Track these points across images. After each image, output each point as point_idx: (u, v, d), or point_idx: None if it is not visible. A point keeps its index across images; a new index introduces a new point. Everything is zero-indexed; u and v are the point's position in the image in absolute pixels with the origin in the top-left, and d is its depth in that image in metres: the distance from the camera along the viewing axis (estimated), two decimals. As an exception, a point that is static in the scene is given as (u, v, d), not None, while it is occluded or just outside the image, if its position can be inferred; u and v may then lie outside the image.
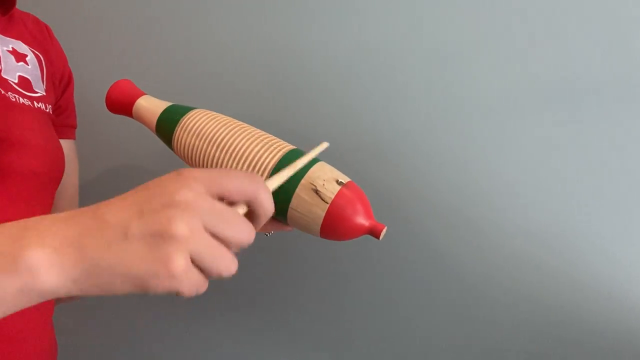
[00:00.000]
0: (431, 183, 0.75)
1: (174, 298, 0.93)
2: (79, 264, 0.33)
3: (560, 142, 0.70)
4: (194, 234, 0.33)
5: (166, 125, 0.58)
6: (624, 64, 0.66)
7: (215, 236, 0.34)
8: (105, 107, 0.64)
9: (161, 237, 0.33)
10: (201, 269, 0.35)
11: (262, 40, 0.81)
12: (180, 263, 0.33)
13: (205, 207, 0.34)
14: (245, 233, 0.36)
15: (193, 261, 0.34)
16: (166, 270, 0.33)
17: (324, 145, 0.48)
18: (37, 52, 0.66)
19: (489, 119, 0.72)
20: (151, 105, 0.60)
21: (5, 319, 0.51)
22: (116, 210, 0.34)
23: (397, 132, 0.76)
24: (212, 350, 0.92)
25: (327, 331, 0.85)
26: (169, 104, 0.60)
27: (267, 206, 0.38)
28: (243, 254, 0.84)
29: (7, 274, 0.33)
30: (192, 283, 0.34)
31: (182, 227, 0.33)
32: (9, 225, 0.36)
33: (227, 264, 0.35)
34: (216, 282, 0.92)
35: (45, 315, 0.59)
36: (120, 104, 0.62)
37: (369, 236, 0.52)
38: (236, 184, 0.36)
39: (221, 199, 0.36)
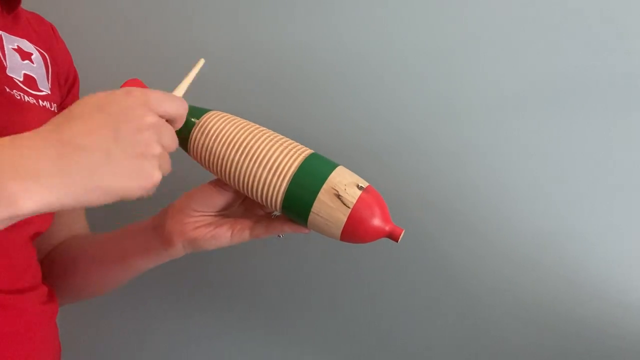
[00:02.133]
0: (430, 183, 0.75)
1: (175, 299, 0.92)
2: (64, 188, 0.37)
3: (560, 142, 0.70)
4: (162, 151, 0.42)
5: (181, 127, 0.57)
6: (624, 64, 0.67)
7: (163, 147, 0.43)
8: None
9: (143, 156, 0.40)
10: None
11: (270, 43, 0.81)
12: (159, 175, 0.41)
13: (164, 128, 0.43)
14: (176, 141, 0.46)
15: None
16: (151, 182, 0.41)
17: (201, 61, 0.56)
18: (42, 51, 0.66)
19: (490, 120, 0.72)
20: None
21: (8, 318, 0.50)
22: (87, 134, 0.38)
23: (397, 133, 0.76)
24: (213, 350, 0.92)
25: (327, 331, 0.85)
26: None
27: (181, 124, 0.48)
28: (243, 254, 0.83)
29: None
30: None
31: (157, 147, 0.41)
32: None
33: (169, 167, 0.45)
34: (217, 283, 0.90)
35: (49, 316, 0.59)
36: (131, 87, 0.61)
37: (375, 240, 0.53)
38: (171, 107, 0.44)
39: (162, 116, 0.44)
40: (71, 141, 0.38)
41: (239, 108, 0.76)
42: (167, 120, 0.45)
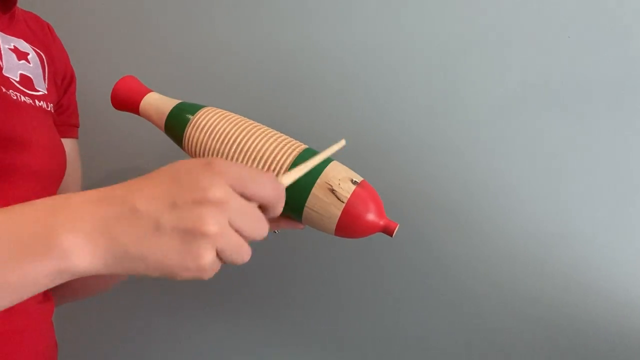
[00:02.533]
0: (432, 183, 0.75)
1: (174, 298, 0.92)
2: (110, 250, 0.35)
3: (563, 142, 0.70)
4: (223, 232, 0.36)
5: (176, 123, 0.58)
6: (625, 64, 0.67)
7: (237, 231, 0.37)
8: (108, 105, 0.63)
9: (192, 234, 0.35)
10: (222, 259, 0.37)
11: (267, 39, 0.80)
12: (209, 258, 0.36)
13: (234, 206, 0.36)
14: (263, 230, 0.39)
15: (217, 254, 0.36)
16: (196, 264, 0.35)
17: (342, 143, 0.49)
18: (38, 51, 0.66)
19: (490, 120, 0.72)
20: (160, 103, 0.60)
21: (5, 317, 0.51)
22: (148, 199, 0.36)
23: (399, 131, 0.76)
24: (211, 350, 0.92)
25: (327, 331, 0.85)
26: (178, 101, 0.60)
27: (278, 213, 0.41)
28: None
29: (41, 258, 0.34)
30: (213, 272, 0.37)
31: (214, 225, 0.35)
32: (35, 204, 0.37)
33: (244, 255, 0.38)
34: (217, 283, 0.91)
35: (45, 315, 0.59)
36: (127, 100, 0.61)
37: (374, 235, 0.53)
38: (261, 189, 0.38)
39: (243, 196, 0.38)
40: (131, 202, 0.36)
41: (244, 106, 0.76)
42: (260, 207, 0.39)
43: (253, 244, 0.39)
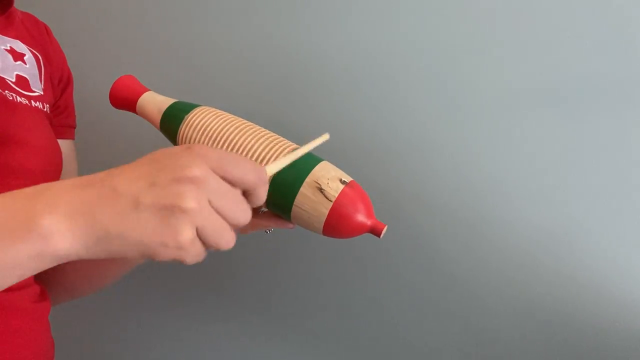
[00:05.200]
0: (427, 183, 0.75)
1: (172, 297, 0.92)
2: (90, 231, 0.35)
3: (561, 142, 0.70)
4: (201, 209, 0.36)
5: (171, 122, 0.59)
6: (625, 64, 0.66)
7: (218, 212, 0.37)
8: (105, 105, 0.64)
9: (171, 210, 0.35)
10: (204, 242, 0.37)
11: (263, 39, 0.81)
12: (188, 235, 0.35)
13: (213, 185, 0.36)
14: (244, 213, 0.38)
15: (197, 234, 0.36)
16: (174, 241, 0.35)
17: (325, 136, 0.49)
18: (35, 52, 0.66)
19: (489, 120, 0.72)
20: (156, 102, 0.61)
21: (1, 315, 0.50)
22: (127, 180, 0.36)
23: (396, 132, 0.76)
24: (210, 349, 0.92)
25: (328, 333, 0.85)
26: (174, 100, 0.61)
27: (261, 199, 0.40)
28: (242, 254, 0.83)
29: (21, 240, 0.34)
30: (195, 253, 0.37)
31: (192, 201, 0.35)
32: (20, 191, 0.37)
33: (227, 239, 0.38)
34: (216, 282, 0.91)
35: (41, 314, 0.59)
36: (124, 99, 0.62)
37: (367, 236, 0.53)
38: (241, 172, 0.38)
39: (224, 179, 0.38)
40: (111, 184, 0.36)
41: (240, 106, 0.76)
42: (243, 194, 0.39)
43: (246, 244, 0.39)
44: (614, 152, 0.68)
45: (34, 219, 0.34)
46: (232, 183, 0.38)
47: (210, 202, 0.36)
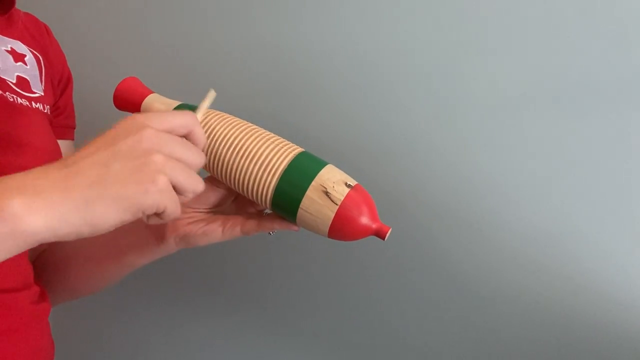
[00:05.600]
0: (432, 185, 0.75)
1: (172, 298, 0.92)
2: (65, 202, 0.37)
3: (560, 142, 0.70)
4: (167, 160, 0.40)
5: None
6: (625, 64, 0.67)
7: (178, 160, 0.41)
8: (105, 106, 0.64)
9: (143, 164, 0.39)
10: (177, 188, 0.41)
11: (265, 41, 0.81)
12: (164, 179, 0.39)
13: (168, 138, 0.41)
14: (199, 156, 0.43)
15: (171, 183, 0.40)
16: (154, 185, 0.39)
17: (212, 93, 0.52)
18: (36, 53, 0.66)
19: (489, 120, 0.72)
20: (160, 104, 0.61)
21: (1, 316, 0.50)
22: (88, 156, 0.39)
23: (399, 134, 0.76)
24: (209, 349, 0.92)
25: (326, 331, 0.85)
26: (178, 102, 0.61)
27: (202, 137, 0.45)
28: (242, 254, 0.82)
29: None
30: (174, 201, 0.41)
31: (158, 155, 0.39)
32: None
33: (197, 182, 0.43)
34: (217, 283, 0.90)
35: (41, 314, 0.59)
36: (129, 101, 0.62)
37: (369, 237, 0.53)
38: (178, 121, 0.43)
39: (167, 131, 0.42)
40: (74, 164, 0.38)
41: (241, 108, 0.76)
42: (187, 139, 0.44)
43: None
44: (614, 153, 0.68)
45: (4, 201, 0.35)
46: (174, 133, 0.42)
47: (170, 155, 0.40)
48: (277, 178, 0.52)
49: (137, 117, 0.41)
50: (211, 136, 0.55)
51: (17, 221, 0.35)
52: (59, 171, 0.38)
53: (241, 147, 0.53)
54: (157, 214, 0.41)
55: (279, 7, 0.79)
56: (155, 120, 0.41)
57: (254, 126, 0.57)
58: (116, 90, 0.62)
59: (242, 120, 0.57)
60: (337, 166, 0.55)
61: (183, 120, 0.43)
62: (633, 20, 0.65)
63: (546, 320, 0.73)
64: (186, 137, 0.44)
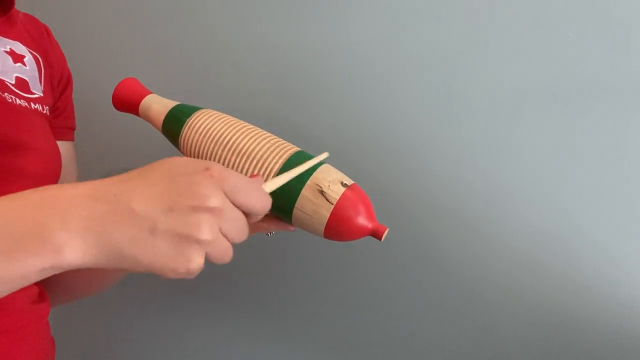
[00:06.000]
0: (431, 185, 0.75)
1: (172, 298, 0.92)
2: (102, 248, 0.35)
3: (561, 142, 0.70)
4: (215, 239, 0.37)
5: (173, 124, 0.59)
6: (625, 64, 0.66)
7: (225, 236, 0.39)
8: (105, 106, 0.64)
9: (187, 239, 0.36)
10: (208, 260, 0.39)
11: (264, 41, 0.81)
12: (199, 263, 0.37)
13: (228, 215, 0.38)
14: (246, 234, 0.41)
15: (205, 257, 0.38)
16: (186, 268, 0.37)
17: (324, 155, 0.52)
18: (35, 53, 0.66)
19: (489, 120, 0.72)
20: (158, 104, 0.61)
21: (1, 315, 0.51)
22: (144, 200, 0.36)
23: (397, 134, 0.76)
24: (209, 349, 0.92)
25: (327, 331, 0.85)
26: (176, 103, 0.61)
27: (260, 217, 0.43)
28: (242, 254, 0.83)
29: (33, 254, 0.34)
30: (198, 273, 0.39)
31: (208, 233, 0.36)
32: (25, 197, 0.36)
33: (229, 258, 0.40)
34: (217, 284, 0.91)
35: (40, 315, 0.59)
36: (127, 101, 0.63)
37: (368, 238, 0.53)
38: (252, 201, 0.40)
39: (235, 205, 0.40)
40: (126, 202, 0.36)
41: (241, 108, 0.77)
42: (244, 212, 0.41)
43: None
44: (614, 152, 0.68)
45: (47, 233, 0.34)
46: (240, 208, 0.40)
47: (220, 229, 0.38)
48: (273, 177, 0.51)
49: (216, 172, 0.38)
50: (207, 136, 0.55)
51: (59, 256, 0.35)
52: (106, 205, 0.36)
53: (237, 147, 0.54)
54: None
55: (279, 7, 0.79)
56: (231, 187, 0.38)
57: (250, 125, 0.57)
58: (115, 91, 0.63)
59: (239, 120, 0.57)
60: (335, 165, 0.55)
61: (257, 204, 0.41)
62: (633, 21, 0.65)
63: (546, 319, 0.73)
64: (246, 214, 0.41)
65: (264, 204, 0.42)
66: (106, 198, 0.36)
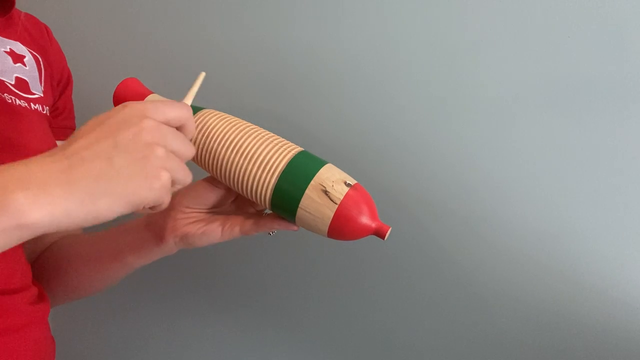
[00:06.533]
0: (432, 185, 0.75)
1: (172, 297, 0.92)
2: (70, 197, 0.37)
3: (560, 143, 0.70)
4: (167, 154, 0.41)
5: None
6: (624, 64, 0.67)
7: (174, 153, 0.42)
8: (105, 106, 0.63)
9: (146, 159, 0.39)
10: (172, 181, 0.42)
11: (265, 41, 0.81)
12: (167, 175, 0.41)
13: (166, 131, 0.42)
14: (191, 149, 0.45)
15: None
16: (158, 181, 0.40)
17: (202, 75, 0.55)
18: (35, 53, 0.66)
19: (489, 120, 0.72)
20: None
21: (1, 315, 0.51)
22: (88, 147, 0.39)
23: (399, 134, 0.76)
24: (209, 349, 0.92)
25: (327, 331, 0.85)
26: None
27: (192, 131, 0.47)
28: (242, 254, 0.82)
29: None
30: (169, 194, 0.42)
31: (160, 149, 0.40)
32: None
33: (189, 176, 0.44)
34: (217, 284, 0.90)
35: (40, 315, 0.59)
36: (127, 101, 0.62)
37: (368, 238, 0.53)
38: (175, 113, 0.43)
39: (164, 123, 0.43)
40: (75, 155, 0.38)
41: (242, 108, 0.77)
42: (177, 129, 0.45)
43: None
44: (614, 152, 0.68)
45: (7, 196, 0.35)
46: (169, 124, 0.43)
47: (167, 147, 0.41)
48: (276, 177, 0.52)
49: (135, 107, 0.41)
50: (210, 136, 0.55)
51: (23, 215, 0.35)
52: (61, 162, 0.38)
53: (240, 147, 0.53)
54: (152, 207, 0.42)
55: (279, 7, 0.79)
56: (154, 111, 0.42)
57: (253, 126, 0.56)
58: (116, 90, 0.63)
59: (241, 120, 0.57)
60: (337, 165, 0.55)
61: (179, 112, 0.44)
62: (631, 21, 0.65)
63: (546, 319, 0.73)
64: (179, 128, 0.45)
65: (184, 111, 0.44)
66: (55, 157, 0.38)
